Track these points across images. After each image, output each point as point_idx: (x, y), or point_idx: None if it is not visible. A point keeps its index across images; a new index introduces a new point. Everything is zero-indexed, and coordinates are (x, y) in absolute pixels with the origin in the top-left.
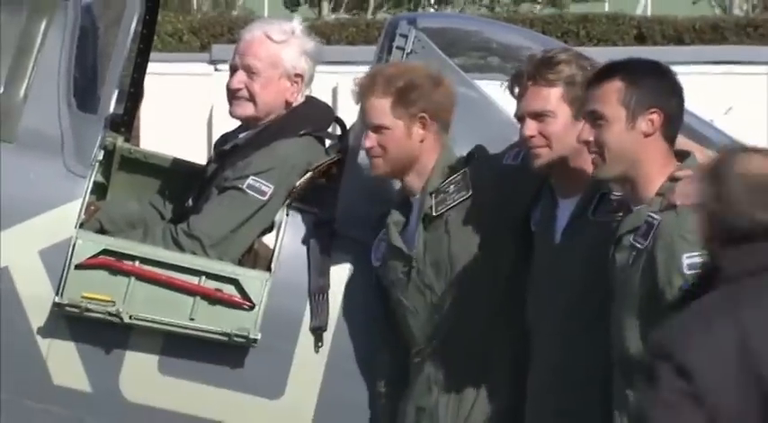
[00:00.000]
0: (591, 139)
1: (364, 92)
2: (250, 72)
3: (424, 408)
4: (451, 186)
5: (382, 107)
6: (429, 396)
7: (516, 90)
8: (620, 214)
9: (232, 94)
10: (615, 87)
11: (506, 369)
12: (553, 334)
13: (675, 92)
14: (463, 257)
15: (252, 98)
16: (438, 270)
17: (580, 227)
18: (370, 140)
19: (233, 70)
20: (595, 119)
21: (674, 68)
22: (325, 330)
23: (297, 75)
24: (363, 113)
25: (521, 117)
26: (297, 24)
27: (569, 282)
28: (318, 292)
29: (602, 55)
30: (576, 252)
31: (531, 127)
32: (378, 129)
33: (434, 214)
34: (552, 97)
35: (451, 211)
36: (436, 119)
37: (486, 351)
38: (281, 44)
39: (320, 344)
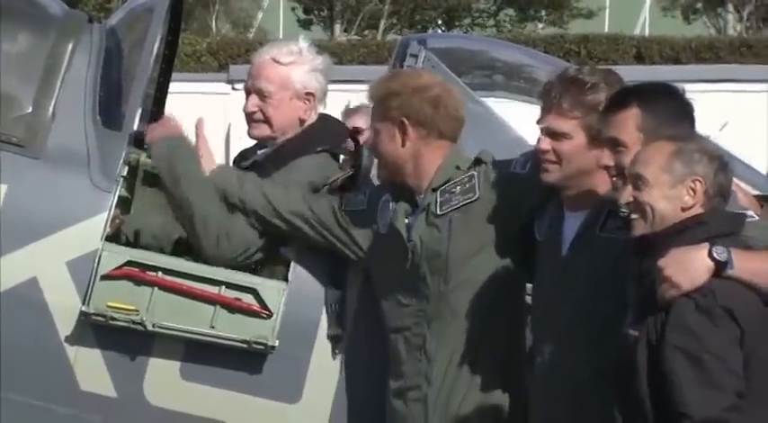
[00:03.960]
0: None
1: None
2: (262, 95)
3: (417, 399)
4: (458, 187)
5: (372, 112)
6: (419, 387)
7: (543, 102)
8: (628, 231)
9: (248, 117)
10: (632, 113)
11: (500, 367)
12: (558, 344)
13: (687, 113)
14: (461, 259)
15: (267, 120)
16: (432, 267)
17: (587, 242)
18: (368, 141)
19: (247, 93)
20: (615, 145)
21: None
22: (342, 337)
23: (308, 93)
24: None
25: (541, 129)
26: (303, 44)
27: (574, 295)
28: (334, 302)
29: None
30: (583, 266)
31: (546, 142)
32: (373, 133)
33: (438, 213)
34: (573, 120)
35: (456, 211)
36: (420, 124)
37: (478, 347)
38: (290, 66)
39: (336, 351)
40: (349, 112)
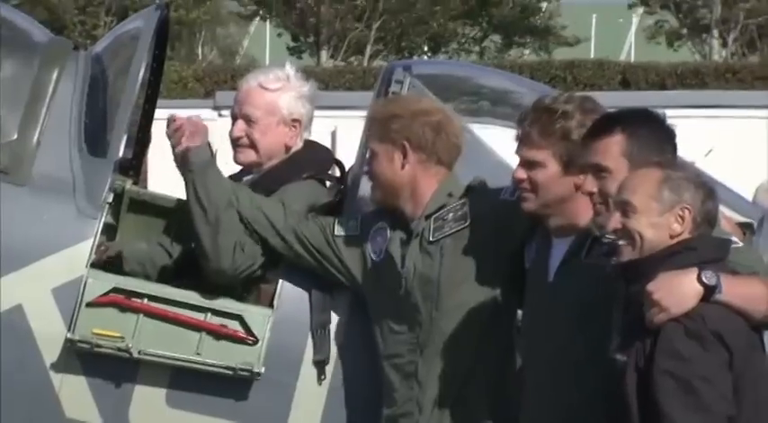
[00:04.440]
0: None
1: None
2: (249, 120)
3: None
4: (450, 214)
5: (371, 134)
6: (411, 414)
7: (518, 132)
8: (613, 258)
9: (234, 143)
10: (615, 140)
11: (491, 393)
12: (546, 370)
13: (670, 138)
14: (452, 285)
15: (253, 145)
16: (424, 293)
17: (572, 268)
18: (366, 166)
19: (234, 119)
20: (599, 171)
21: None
22: (327, 363)
23: (294, 120)
24: None
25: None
26: (291, 70)
27: (561, 320)
28: (320, 327)
29: None
30: (568, 292)
31: (521, 172)
32: (370, 154)
33: (431, 239)
34: (544, 149)
35: (447, 238)
36: (420, 149)
37: (469, 374)
38: (277, 92)
39: (323, 376)
40: None
